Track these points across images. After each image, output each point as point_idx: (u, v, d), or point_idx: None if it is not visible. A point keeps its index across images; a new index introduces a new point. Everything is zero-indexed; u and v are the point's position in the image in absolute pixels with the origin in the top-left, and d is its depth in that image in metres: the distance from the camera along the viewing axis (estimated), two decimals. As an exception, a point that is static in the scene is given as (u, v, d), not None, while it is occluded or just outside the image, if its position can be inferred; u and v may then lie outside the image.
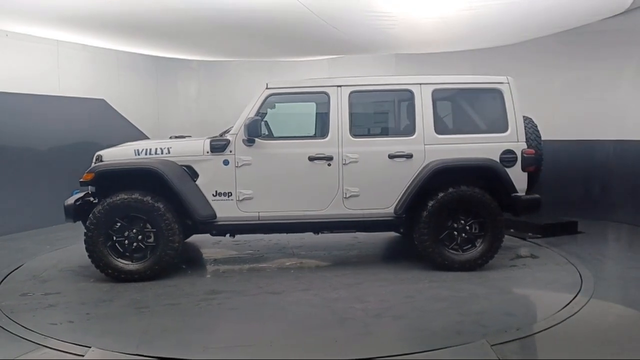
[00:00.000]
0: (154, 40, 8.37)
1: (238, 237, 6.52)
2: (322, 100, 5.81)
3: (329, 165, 5.60)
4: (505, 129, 5.73)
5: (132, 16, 6.66)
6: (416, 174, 5.60)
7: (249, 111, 5.59)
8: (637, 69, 8.08)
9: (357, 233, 6.44)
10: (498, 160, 5.66)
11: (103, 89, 9.98)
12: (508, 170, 5.66)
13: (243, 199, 5.58)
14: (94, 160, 5.70)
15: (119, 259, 5.41)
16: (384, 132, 6.12)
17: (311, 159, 5.59)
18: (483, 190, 5.60)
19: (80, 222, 5.65)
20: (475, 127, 5.89)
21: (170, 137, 6.20)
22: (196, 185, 5.56)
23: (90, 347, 3.83)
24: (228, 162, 5.58)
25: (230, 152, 5.58)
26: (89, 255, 5.38)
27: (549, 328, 4.15)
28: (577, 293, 4.93)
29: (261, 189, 5.59)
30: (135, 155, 5.63)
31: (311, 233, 6.05)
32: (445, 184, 5.59)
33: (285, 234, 6.66)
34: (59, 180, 8.08)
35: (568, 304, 4.65)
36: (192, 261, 6.38)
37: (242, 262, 6.28)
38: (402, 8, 6.47)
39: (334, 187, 5.62)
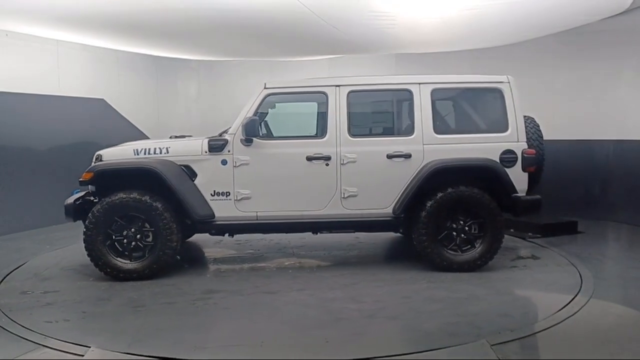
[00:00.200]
0: (154, 40, 8.38)
1: (239, 236, 6.53)
2: (320, 100, 5.81)
3: (327, 165, 5.58)
4: (505, 129, 5.69)
5: (132, 16, 6.67)
6: (415, 174, 5.57)
7: (247, 111, 5.59)
8: (637, 69, 8.07)
9: (358, 233, 6.41)
10: (498, 161, 5.61)
11: (103, 88, 9.99)
12: (508, 170, 5.61)
13: (241, 199, 5.58)
14: (93, 159, 5.72)
15: (118, 258, 5.42)
16: (383, 132, 6.09)
17: (309, 158, 5.58)
18: (483, 190, 5.57)
19: (80, 221, 5.66)
20: (475, 126, 5.87)
21: (171, 137, 6.20)
22: (194, 184, 5.56)
23: (90, 347, 3.82)
24: (226, 162, 5.58)
25: (229, 151, 5.58)
26: (88, 254, 5.40)
27: (548, 328, 4.13)
28: (577, 293, 4.92)
29: (259, 188, 5.58)
30: (135, 155, 5.65)
31: (312, 233, 6.04)
32: (444, 184, 5.55)
33: (286, 234, 6.65)
34: (59, 180, 8.09)
35: (568, 304, 4.64)
36: (193, 260, 6.39)
37: (241, 262, 6.28)
38: (402, 8, 6.47)
39: (332, 187, 5.61)
